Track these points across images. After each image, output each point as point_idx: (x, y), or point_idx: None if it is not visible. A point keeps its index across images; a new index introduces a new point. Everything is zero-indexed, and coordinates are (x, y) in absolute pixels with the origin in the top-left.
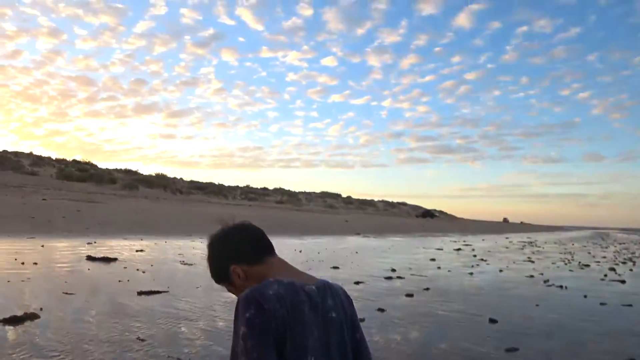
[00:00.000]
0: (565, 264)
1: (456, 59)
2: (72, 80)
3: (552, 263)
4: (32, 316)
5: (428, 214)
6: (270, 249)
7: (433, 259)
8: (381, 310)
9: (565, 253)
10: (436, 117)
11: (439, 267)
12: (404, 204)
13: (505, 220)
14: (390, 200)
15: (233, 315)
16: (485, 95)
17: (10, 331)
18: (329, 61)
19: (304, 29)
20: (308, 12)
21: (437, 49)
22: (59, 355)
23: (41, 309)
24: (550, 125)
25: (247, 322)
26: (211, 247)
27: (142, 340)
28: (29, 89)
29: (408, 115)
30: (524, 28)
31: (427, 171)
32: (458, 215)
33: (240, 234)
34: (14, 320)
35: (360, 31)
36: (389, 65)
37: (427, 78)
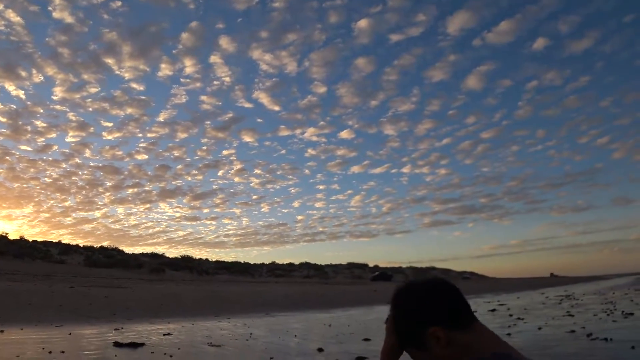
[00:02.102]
0: (608, 314)
1: (471, 119)
2: (100, 170)
3: (594, 315)
4: None
5: (382, 276)
6: (472, 312)
7: None
8: None
9: (606, 303)
10: (457, 179)
11: None
12: (433, 268)
13: (552, 275)
14: (418, 266)
15: None
16: (503, 152)
17: None
18: (346, 134)
19: (320, 105)
20: (322, 89)
21: (451, 112)
22: None
23: None
24: (573, 174)
25: None
26: (401, 303)
27: None
28: (58, 181)
29: (429, 180)
30: (534, 83)
31: (453, 233)
32: (490, 275)
33: (440, 292)
34: None
35: (374, 103)
36: (405, 133)
37: (444, 141)
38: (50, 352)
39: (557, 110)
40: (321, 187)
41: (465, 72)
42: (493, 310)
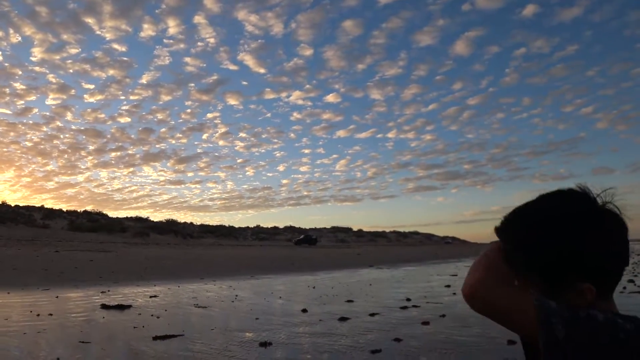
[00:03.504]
0: None
1: (457, 85)
2: (82, 134)
3: None
4: None
5: (306, 239)
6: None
7: (448, 286)
8: (398, 340)
9: None
10: (442, 145)
11: (454, 293)
12: (415, 233)
13: None
14: (401, 230)
15: None
16: (489, 119)
17: None
18: (332, 98)
19: (306, 68)
20: (308, 52)
21: (438, 77)
22: None
23: (58, 359)
24: (556, 142)
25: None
26: (565, 227)
27: None
28: (39, 144)
29: (414, 145)
30: (522, 50)
31: (436, 199)
32: (471, 240)
33: (623, 232)
34: None
35: (360, 66)
36: (392, 97)
37: (430, 107)
38: (38, 315)
39: (544, 79)
40: (306, 151)
41: (454, 37)
42: None
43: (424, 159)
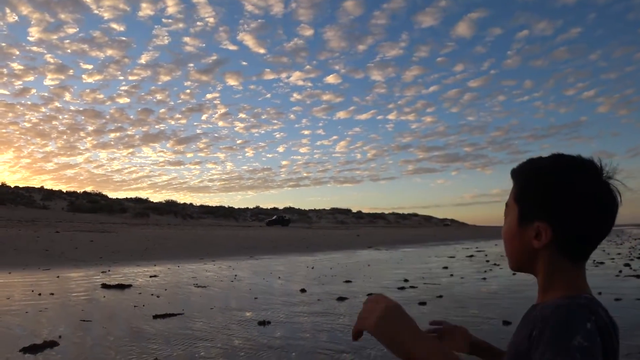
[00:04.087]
0: None
1: (459, 67)
2: (80, 114)
3: None
4: (51, 344)
5: (279, 220)
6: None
7: (446, 267)
8: None
9: None
10: (442, 127)
11: (451, 275)
12: (415, 215)
13: None
14: (400, 212)
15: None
16: (490, 102)
17: (30, 359)
18: (332, 79)
19: (306, 49)
20: (309, 32)
21: (439, 59)
22: None
23: (60, 337)
24: (558, 126)
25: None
26: (551, 170)
27: None
28: (38, 125)
29: (414, 127)
30: (525, 32)
31: (436, 181)
32: (470, 223)
33: (606, 199)
34: (33, 349)
35: (361, 47)
36: (393, 79)
37: (431, 89)
38: (39, 294)
39: (546, 62)
40: (306, 132)
41: (456, 18)
42: (471, 256)
43: (424, 141)
